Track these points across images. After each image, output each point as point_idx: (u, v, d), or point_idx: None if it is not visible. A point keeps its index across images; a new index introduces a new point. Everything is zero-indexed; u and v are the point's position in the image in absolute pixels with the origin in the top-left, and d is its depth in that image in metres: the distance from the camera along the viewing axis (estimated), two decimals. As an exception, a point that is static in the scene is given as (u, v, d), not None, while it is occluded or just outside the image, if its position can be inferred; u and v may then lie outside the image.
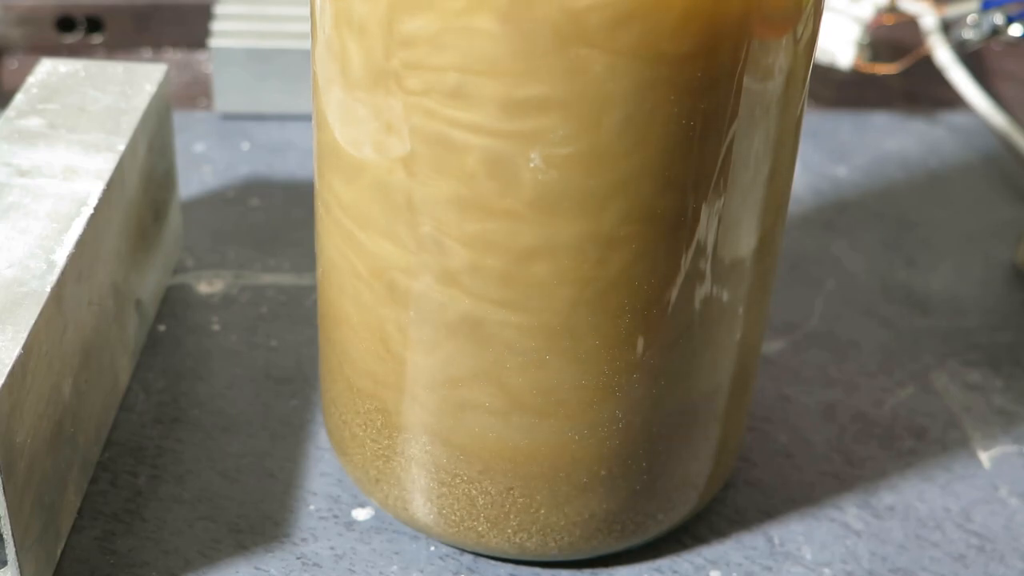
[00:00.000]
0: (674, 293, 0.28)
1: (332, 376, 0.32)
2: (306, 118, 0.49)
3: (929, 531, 0.34)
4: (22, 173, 0.33)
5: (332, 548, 0.32)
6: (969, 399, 0.38)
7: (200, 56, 0.53)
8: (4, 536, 0.28)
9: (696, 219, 0.27)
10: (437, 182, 0.26)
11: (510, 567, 0.32)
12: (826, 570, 0.32)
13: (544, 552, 0.31)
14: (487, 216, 0.26)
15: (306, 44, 0.47)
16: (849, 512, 0.34)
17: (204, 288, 0.40)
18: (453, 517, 0.31)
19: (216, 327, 0.39)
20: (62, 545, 0.31)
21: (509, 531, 0.31)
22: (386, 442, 0.31)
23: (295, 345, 0.38)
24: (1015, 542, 0.34)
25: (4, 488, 0.27)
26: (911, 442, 0.36)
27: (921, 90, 0.54)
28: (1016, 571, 0.33)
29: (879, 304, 0.42)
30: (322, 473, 0.34)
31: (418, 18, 0.25)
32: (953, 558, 0.33)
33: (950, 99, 0.53)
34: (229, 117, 0.49)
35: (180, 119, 0.48)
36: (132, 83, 0.37)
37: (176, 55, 0.53)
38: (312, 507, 0.33)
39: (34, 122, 0.35)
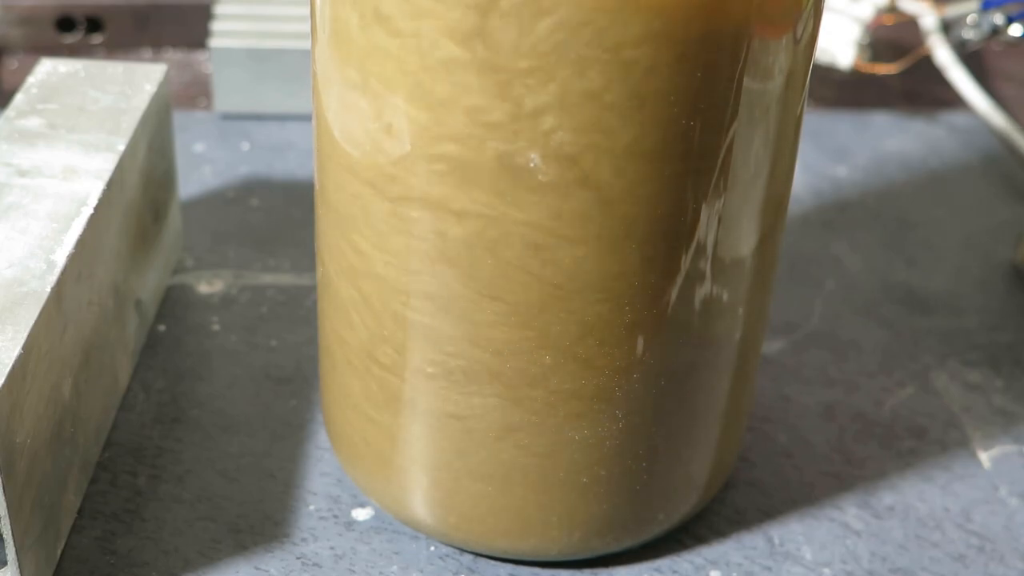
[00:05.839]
0: (674, 293, 0.28)
1: (332, 376, 0.32)
2: (306, 118, 0.49)
3: (929, 531, 0.34)
4: (22, 173, 0.33)
5: (332, 548, 0.32)
6: (969, 399, 0.38)
7: (200, 56, 0.53)
8: (4, 536, 0.28)
9: (696, 219, 0.27)
10: (436, 182, 0.26)
11: (510, 567, 0.32)
12: (826, 570, 0.32)
13: (544, 552, 0.31)
14: (485, 216, 0.26)
15: (306, 44, 0.47)
16: (849, 512, 0.34)
17: (204, 288, 0.40)
18: (453, 517, 0.31)
19: (216, 327, 0.39)
20: (62, 545, 0.31)
21: (509, 531, 0.31)
22: (386, 442, 0.31)
23: (295, 345, 0.38)
24: (1015, 542, 0.34)
25: (4, 488, 0.27)
26: (911, 442, 0.36)
27: (921, 90, 0.54)
28: (1016, 571, 0.33)
29: (879, 304, 0.42)
30: (322, 473, 0.34)
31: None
32: (953, 558, 0.33)
33: (950, 99, 0.53)
34: (229, 117, 0.49)
35: (180, 119, 0.48)
36: (132, 83, 0.37)
37: (176, 55, 0.53)
38: (312, 507, 0.33)
39: (34, 122, 0.35)
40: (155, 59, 0.53)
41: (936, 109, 0.53)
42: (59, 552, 0.31)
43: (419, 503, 0.31)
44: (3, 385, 0.27)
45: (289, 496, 0.33)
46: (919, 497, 0.35)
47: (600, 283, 0.27)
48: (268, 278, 0.41)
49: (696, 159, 0.26)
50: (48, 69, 0.37)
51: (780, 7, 0.26)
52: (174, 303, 0.39)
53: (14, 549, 0.28)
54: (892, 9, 0.51)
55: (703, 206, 0.27)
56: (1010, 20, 0.49)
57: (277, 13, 0.50)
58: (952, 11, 0.51)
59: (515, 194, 0.26)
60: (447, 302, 0.28)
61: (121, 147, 0.34)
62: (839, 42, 0.50)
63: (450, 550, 0.32)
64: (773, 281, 0.31)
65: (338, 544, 0.32)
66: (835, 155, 0.49)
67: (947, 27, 0.51)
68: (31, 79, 0.37)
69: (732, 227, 0.28)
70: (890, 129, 0.51)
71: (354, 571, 0.32)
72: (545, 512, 0.30)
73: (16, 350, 0.28)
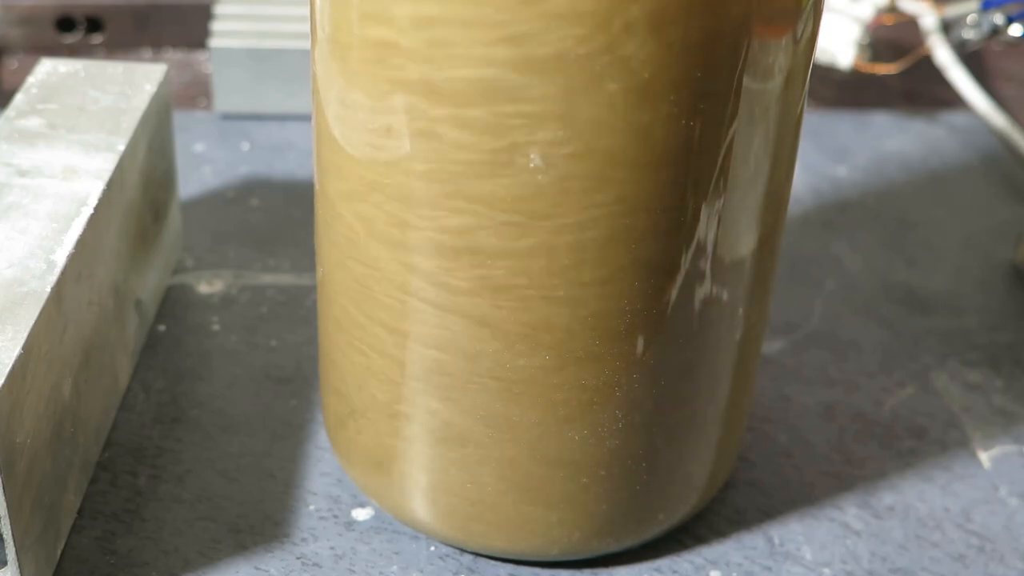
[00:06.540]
0: (674, 293, 0.28)
1: (331, 376, 0.32)
2: (306, 118, 0.49)
3: (929, 531, 0.34)
4: (22, 173, 0.33)
5: (332, 548, 0.32)
6: (969, 399, 0.38)
7: (200, 56, 0.53)
8: (4, 536, 0.28)
9: (696, 219, 0.27)
10: (435, 182, 0.26)
11: (510, 567, 0.32)
12: (826, 570, 0.32)
13: (544, 552, 0.31)
14: (485, 217, 0.26)
15: (306, 44, 0.47)
16: (849, 512, 0.34)
17: (204, 288, 0.40)
18: (453, 517, 0.31)
19: (216, 327, 0.39)
20: (62, 545, 0.31)
21: (509, 531, 0.31)
22: (386, 443, 0.31)
23: (295, 345, 0.38)
24: (1015, 542, 0.34)
25: (4, 488, 0.27)
26: (911, 442, 0.36)
27: (921, 90, 0.54)
28: (1016, 571, 0.33)
29: (879, 304, 0.42)
30: (322, 473, 0.34)
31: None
32: (953, 558, 0.33)
33: (950, 99, 0.53)
34: (229, 117, 0.49)
35: (180, 119, 0.48)
36: (132, 83, 0.37)
37: (176, 55, 0.53)
38: (312, 507, 0.33)
39: (34, 122, 0.35)
40: (155, 59, 0.53)
41: (936, 109, 0.53)
42: (59, 552, 0.31)
43: (419, 503, 0.31)
44: (3, 385, 0.27)
45: (289, 496, 0.33)
46: (919, 497, 0.35)
47: (600, 283, 0.27)
48: (268, 278, 0.41)
49: (696, 159, 0.26)
50: (48, 69, 0.37)
51: (780, 7, 0.26)
52: (174, 303, 0.39)
53: (14, 549, 0.28)
54: (892, 9, 0.51)
55: (703, 206, 0.27)
56: (1010, 20, 0.49)
57: (277, 13, 0.50)
58: (952, 11, 0.51)
59: (512, 192, 0.26)
60: (447, 303, 0.28)
61: (121, 147, 0.34)
62: (839, 42, 0.50)
63: (450, 550, 0.32)
64: (773, 281, 0.31)
65: (338, 544, 0.32)
66: (835, 155, 0.49)
67: (947, 27, 0.51)
68: (31, 79, 0.37)
69: (732, 227, 0.28)
70: (890, 129, 0.51)
71: (354, 571, 0.32)
72: (545, 512, 0.30)
73: (16, 350, 0.28)
